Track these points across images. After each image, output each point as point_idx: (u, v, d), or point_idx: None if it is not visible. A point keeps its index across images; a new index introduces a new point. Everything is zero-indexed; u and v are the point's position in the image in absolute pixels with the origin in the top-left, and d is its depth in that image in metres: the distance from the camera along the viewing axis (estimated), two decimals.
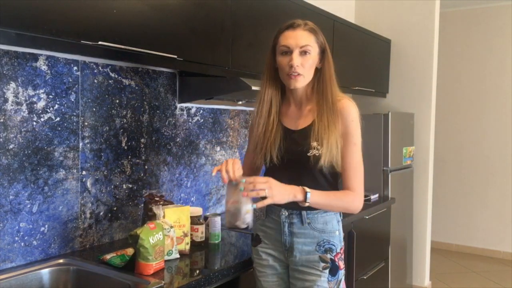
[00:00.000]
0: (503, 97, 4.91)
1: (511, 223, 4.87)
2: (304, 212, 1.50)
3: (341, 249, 1.53)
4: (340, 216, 1.58)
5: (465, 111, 5.11)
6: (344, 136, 1.47)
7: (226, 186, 1.47)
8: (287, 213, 1.52)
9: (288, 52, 1.46)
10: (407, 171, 3.64)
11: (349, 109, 1.49)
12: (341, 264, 1.52)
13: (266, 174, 1.59)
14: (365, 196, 3.06)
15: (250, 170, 1.68)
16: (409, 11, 3.76)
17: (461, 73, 5.13)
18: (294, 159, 1.49)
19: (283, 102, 1.60)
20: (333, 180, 1.54)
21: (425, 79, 3.72)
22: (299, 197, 1.42)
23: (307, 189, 1.42)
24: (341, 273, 1.52)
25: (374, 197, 3.12)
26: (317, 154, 1.45)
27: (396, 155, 3.39)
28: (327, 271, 1.48)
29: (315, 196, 1.43)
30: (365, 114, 3.49)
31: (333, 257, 1.50)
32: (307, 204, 1.43)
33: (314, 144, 1.45)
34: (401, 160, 3.49)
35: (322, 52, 1.51)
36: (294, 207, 1.49)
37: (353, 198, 1.48)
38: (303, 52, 1.45)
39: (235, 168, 1.42)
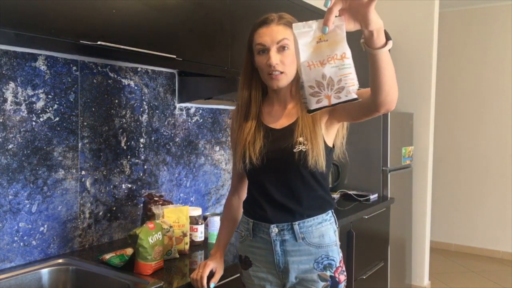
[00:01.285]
0: (502, 97, 4.91)
1: (510, 223, 4.87)
2: (296, 226, 1.36)
3: (340, 261, 1.40)
4: (336, 224, 1.45)
5: (464, 111, 5.12)
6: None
7: (294, 38, 0.99)
8: (277, 230, 1.37)
9: (265, 50, 1.34)
10: (406, 171, 3.65)
11: None
12: (342, 278, 1.39)
13: (248, 180, 1.48)
14: (364, 195, 3.07)
15: (240, 182, 1.58)
16: (408, 11, 3.76)
17: (460, 73, 5.13)
18: (278, 158, 1.36)
19: (266, 102, 1.47)
20: (324, 182, 1.42)
21: (424, 79, 3.72)
22: (383, 33, 1.01)
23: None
24: (341, 286, 1.39)
25: (373, 197, 3.12)
26: (304, 150, 1.32)
27: (395, 155, 3.39)
28: None
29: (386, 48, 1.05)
30: None
31: (333, 274, 1.36)
32: (386, 47, 1.02)
33: (300, 139, 1.33)
34: (400, 160, 3.50)
35: None
36: (284, 220, 1.37)
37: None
38: (281, 47, 1.32)
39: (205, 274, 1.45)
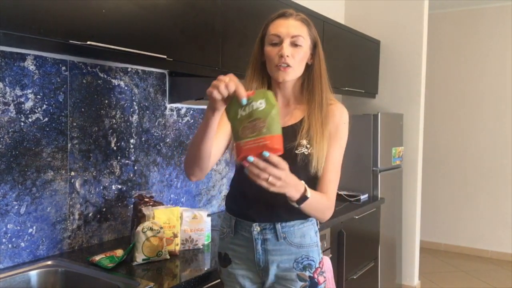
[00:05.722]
0: (491, 98, 4.97)
1: (499, 222, 4.93)
2: (278, 226, 1.35)
3: (320, 262, 1.40)
4: (318, 225, 1.45)
5: (453, 111, 5.16)
6: (333, 136, 1.36)
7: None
8: (259, 229, 1.36)
9: (279, 42, 1.34)
10: (396, 171, 3.67)
11: (343, 111, 1.40)
12: (321, 279, 1.39)
13: (238, 175, 1.45)
14: (355, 196, 3.08)
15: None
16: (398, 13, 3.79)
17: (449, 74, 5.18)
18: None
19: None
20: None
21: (414, 80, 3.75)
22: (298, 193, 1.21)
23: (308, 189, 1.22)
24: (321, 287, 1.40)
25: (363, 197, 3.14)
26: (306, 153, 1.32)
27: (385, 155, 3.41)
28: None
29: (312, 197, 1.24)
30: (354, 114, 3.54)
31: (312, 274, 1.37)
32: (299, 205, 1.23)
33: (304, 142, 1.33)
34: (390, 160, 3.52)
35: (314, 47, 1.39)
36: (267, 220, 1.35)
37: (328, 206, 1.34)
38: (294, 43, 1.33)
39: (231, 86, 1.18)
